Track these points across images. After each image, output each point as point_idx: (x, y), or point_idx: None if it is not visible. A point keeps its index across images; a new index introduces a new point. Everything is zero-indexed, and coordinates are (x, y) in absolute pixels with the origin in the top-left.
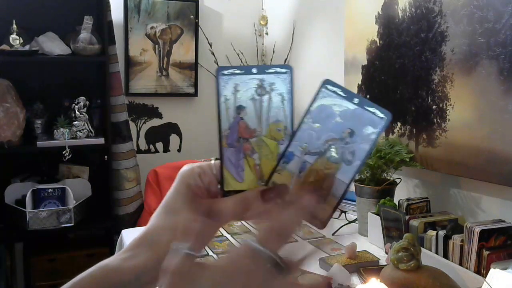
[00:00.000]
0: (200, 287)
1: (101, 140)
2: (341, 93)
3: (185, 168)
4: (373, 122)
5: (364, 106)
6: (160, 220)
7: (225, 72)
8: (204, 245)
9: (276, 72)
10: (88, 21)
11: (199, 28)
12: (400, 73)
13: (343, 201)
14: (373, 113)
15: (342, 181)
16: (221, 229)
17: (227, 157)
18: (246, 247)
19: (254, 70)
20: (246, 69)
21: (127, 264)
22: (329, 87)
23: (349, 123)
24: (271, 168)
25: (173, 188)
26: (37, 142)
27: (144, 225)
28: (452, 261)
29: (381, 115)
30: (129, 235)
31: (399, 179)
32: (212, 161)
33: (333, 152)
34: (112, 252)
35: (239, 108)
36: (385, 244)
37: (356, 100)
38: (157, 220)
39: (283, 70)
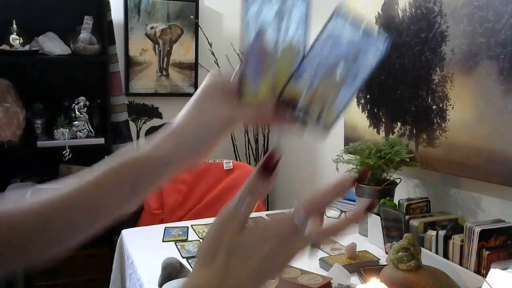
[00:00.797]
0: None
1: (101, 140)
2: (349, 23)
3: (209, 79)
4: (375, 49)
5: (369, 35)
6: (186, 116)
7: None
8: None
9: None
10: (88, 21)
11: (199, 28)
12: (400, 73)
13: (343, 201)
14: (375, 41)
15: (344, 97)
16: None
17: (247, 72)
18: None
19: None
20: None
21: (156, 153)
22: (339, 19)
23: (354, 49)
24: (284, 84)
25: (200, 90)
26: (37, 142)
27: (144, 225)
28: (452, 261)
29: (382, 43)
30: (129, 235)
31: (399, 179)
32: (233, 74)
33: (338, 73)
34: (112, 252)
35: (260, 31)
36: (385, 244)
37: (361, 30)
38: (184, 117)
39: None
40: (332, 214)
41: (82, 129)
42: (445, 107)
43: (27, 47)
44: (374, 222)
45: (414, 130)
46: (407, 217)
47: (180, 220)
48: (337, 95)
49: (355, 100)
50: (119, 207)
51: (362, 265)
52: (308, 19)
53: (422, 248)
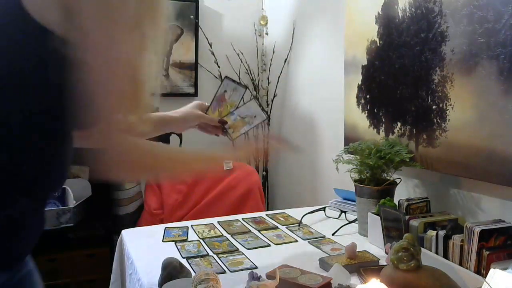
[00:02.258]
0: None
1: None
2: (258, 105)
3: (194, 103)
4: (261, 116)
5: (263, 111)
6: (186, 110)
7: (228, 78)
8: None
9: (239, 86)
10: None
11: (199, 28)
12: (400, 73)
13: (343, 201)
14: (262, 113)
15: (244, 129)
16: (221, 230)
17: (213, 105)
18: None
19: (236, 82)
20: (234, 80)
21: (175, 114)
22: (253, 101)
23: (255, 113)
24: (226, 114)
25: (191, 104)
26: None
27: (144, 225)
28: (452, 261)
29: (264, 115)
30: (129, 235)
31: (399, 179)
32: (206, 103)
33: (246, 118)
34: (112, 252)
35: (225, 91)
36: (385, 244)
37: (261, 108)
38: (185, 109)
39: (242, 88)
40: (332, 214)
41: None
42: (445, 107)
43: None
44: (374, 222)
45: (414, 130)
46: (407, 217)
47: (180, 220)
48: (242, 127)
49: (355, 100)
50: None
51: (362, 265)
52: (242, 96)
53: (422, 248)
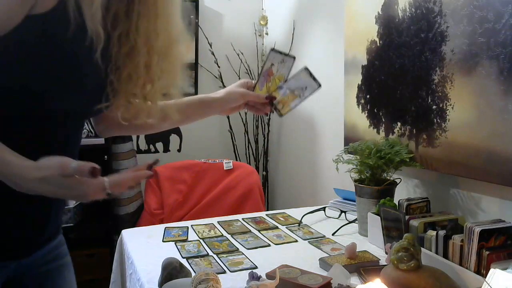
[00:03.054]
0: None
1: (101, 140)
2: (309, 74)
3: (239, 82)
4: (314, 87)
5: (314, 80)
6: (228, 90)
7: (274, 49)
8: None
9: (287, 57)
10: None
11: (199, 28)
12: (400, 73)
13: (343, 201)
14: (314, 82)
15: (295, 103)
16: (221, 230)
17: (260, 81)
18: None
19: (283, 52)
20: (280, 51)
21: (215, 95)
22: (305, 70)
23: (306, 84)
24: (273, 89)
25: (233, 84)
26: None
27: (144, 225)
28: (452, 261)
29: (316, 85)
30: (129, 235)
31: (399, 179)
32: (253, 81)
33: (295, 91)
34: (112, 252)
35: (272, 65)
36: (385, 244)
37: (312, 77)
38: (227, 90)
39: (291, 58)
40: (332, 214)
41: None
42: (445, 107)
43: None
44: (374, 222)
45: (414, 130)
46: (407, 217)
47: (180, 220)
48: (293, 101)
49: (355, 100)
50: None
51: (362, 265)
52: (291, 68)
53: (422, 248)
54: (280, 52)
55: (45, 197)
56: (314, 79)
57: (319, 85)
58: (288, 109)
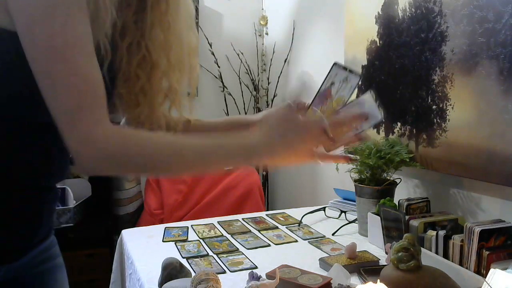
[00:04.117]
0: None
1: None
2: (373, 98)
3: (289, 101)
4: (375, 116)
5: (378, 106)
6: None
7: (338, 64)
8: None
9: (352, 75)
10: None
11: (199, 28)
12: (400, 73)
13: (343, 201)
14: (378, 109)
15: (350, 135)
16: (221, 230)
17: (314, 102)
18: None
19: (347, 68)
20: (345, 67)
21: (253, 117)
22: (370, 96)
23: (368, 110)
24: (328, 114)
25: (279, 107)
26: None
27: (144, 225)
28: (452, 261)
29: (380, 115)
30: (129, 235)
31: (399, 179)
32: (307, 102)
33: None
34: (112, 252)
35: (332, 83)
36: (385, 244)
37: (378, 106)
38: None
39: (356, 77)
40: (332, 214)
41: None
42: (445, 107)
43: None
44: (374, 222)
45: (414, 130)
46: (407, 217)
47: (180, 220)
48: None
49: None
50: None
51: (362, 265)
52: (354, 89)
53: (422, 248)
54: (345, 68)
55: (38, 201)
56: (379, 107)
57: (382, 118)
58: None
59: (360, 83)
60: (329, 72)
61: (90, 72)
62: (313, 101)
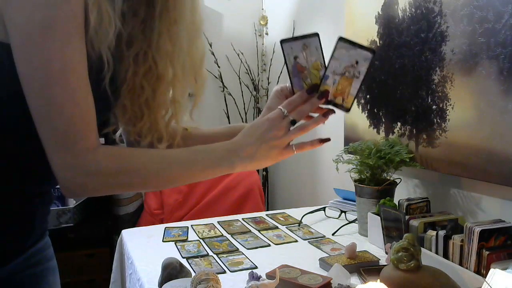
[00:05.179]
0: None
1: (101, 141)
2: (350, 43)
3: (274, 88)
4: (366, 57)
5: (362, 48)
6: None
7: (285, 40)
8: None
9: (307, 39)
10: None
11: None
12: (400, 73)
13: (343, 201)
14: (366, 50)
15: (355, 87)
16: (221, 230)
17: (294, 82)
18: (279, 111)
19: (298, 37)
20: (294, 37)
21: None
22: (341, 41)
23: (355, 57)
24: (316, 81)
25: (269, 98)
26: None
27: (144, 225)
28: (452, 261)
29: (370, 53)
30: (129, 235)
31: (399, 179)
32: (288, 84)
33: (346, 73)
34: (112, 252)
35: (295, 58)
36: (385, 244)
37: (357, 46)
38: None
39: (312, 37)
40: (332, 214)
41: None
42: (445, 107)
43: None
44: (374, 222)
45: (414, 130)
46: (407, 217)
47: (180, 220)
48: (351, 86)
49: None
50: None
51: (362, 265)
52: (320, 48)
53: (422, 248)
54: (295, 38)
55: (30, 206)
56: (361, 47)
57: (373, 52)
58: (352, 98)
59: (320, 41)
60: (283, 52)
61: (84, 96)
62: (292, 83)
